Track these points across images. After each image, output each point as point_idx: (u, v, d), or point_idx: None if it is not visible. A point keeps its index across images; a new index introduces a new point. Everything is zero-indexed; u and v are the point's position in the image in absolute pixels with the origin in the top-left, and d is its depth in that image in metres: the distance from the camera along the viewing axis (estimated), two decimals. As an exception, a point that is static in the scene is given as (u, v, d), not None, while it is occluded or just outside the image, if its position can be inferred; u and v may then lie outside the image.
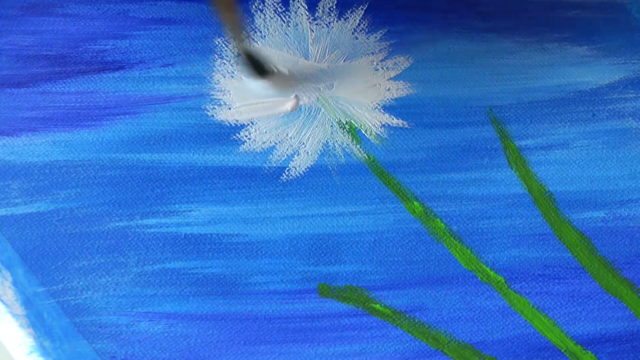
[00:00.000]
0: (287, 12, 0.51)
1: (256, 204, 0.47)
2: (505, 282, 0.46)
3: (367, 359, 0.44)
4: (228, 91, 0.49)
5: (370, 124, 0.49)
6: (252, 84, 0.48)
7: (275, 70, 0.48)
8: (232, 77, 0.49)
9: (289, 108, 0.48)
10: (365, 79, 0.50)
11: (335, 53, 0.50)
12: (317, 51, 0.50)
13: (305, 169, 0.48)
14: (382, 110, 0.49)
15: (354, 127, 0.49)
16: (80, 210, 0.46)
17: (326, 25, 0.51)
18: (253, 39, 0.48)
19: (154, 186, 0.47)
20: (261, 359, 0.44)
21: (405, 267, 0.46)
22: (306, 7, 0.51)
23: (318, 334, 0.44)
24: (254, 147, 0.48)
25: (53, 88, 0.48)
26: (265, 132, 0.48)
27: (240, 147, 0.48)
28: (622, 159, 0.49)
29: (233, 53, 0.47)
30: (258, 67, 0.48)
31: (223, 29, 0.44)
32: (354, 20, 0.51)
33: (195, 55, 0.49)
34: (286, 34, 0.50)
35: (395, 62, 0.50)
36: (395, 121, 0.49)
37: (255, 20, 0.50)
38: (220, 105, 0.49)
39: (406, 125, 0.49)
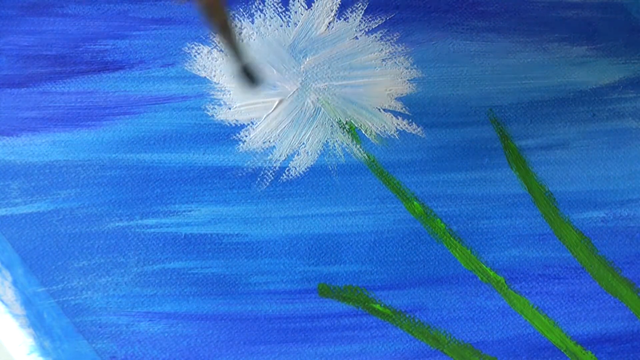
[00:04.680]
0: (287, 12, 0.51)
1: (256, 204, 0.47)
2: (505, 282, 0.46)
3: (367, 359, 0.44)
4: (228, 91, 0.49)
5: (370, 124, 0.49)
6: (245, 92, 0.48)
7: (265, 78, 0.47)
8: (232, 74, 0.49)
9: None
10: (366, 79, 0.50)
11: (335, 53, 0.50)
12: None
13: (305, 169, 0.48)
14: (382, 110, 0.49)
15: (354, 127, 0.49)
16: (80, 210, 0.46)
17: (326, 25, 0.51)
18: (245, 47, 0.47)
19: (154, 186, 0.47)
20: (261, 359, 0.44)
21: (405, 267, 0.46)
22: (306, 7, 0.51)
23: (318, 334, 0.44)
24: (254, 147, 0.48)
25: (53, 88, 0.48)
26: (265, 132, 0.48)
27: (240, 147, 0.48)
28: (622, 159, 0.49)
29: (230, 67, 0.46)
30: (252, 78, 0.46)
31: (216, 40, 0.43)
32: (354, 20, 0.51)
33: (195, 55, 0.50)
34: (286, 33, 0.50)
35: (395, 62, 0.50)
36: (395, 121, 0.49)
37: (255, 20, 0.50)
38: (220, 105, 0.49)
39: (406, 126, 0.49)
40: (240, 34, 0.49)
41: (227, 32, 0.41)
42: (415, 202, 0.47)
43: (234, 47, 0.42)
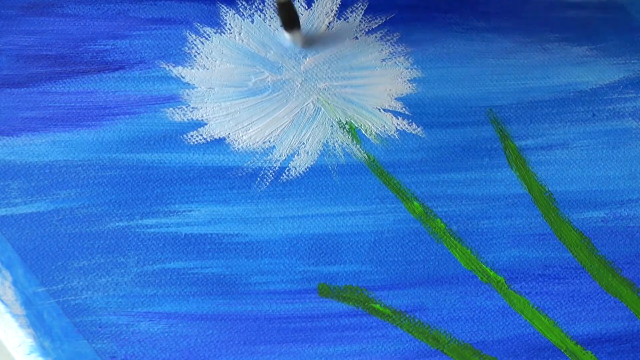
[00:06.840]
0: (287, 12, 0.51)
1: (256, 204, 0.47)
2: (505, 282, 0.46)
3: (367, 359, 0.44)
4: (229, 96, 0.49)
5: (370, 124, 0.49)
6: (284, 34, 0.49)
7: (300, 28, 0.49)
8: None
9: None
10: (366, 79, 0.50)
11: (335, 53, 0.50)
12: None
13: (305, 169, 0.48)
14: (382, 110, 0.49)
15: (354, 127, 0.49)
16: (80, 210, 0.46)
17: (326, 25, 0.51)
18: None
19: (154, 186, 0.47)
20: (261, 359, 0.44)
21: (405, 267, 0.46)
22: (306, 7, 0.51)
23: (318, 334, 0.44)
24: (254, 147, 0.48)
25: (53, 88, 0.48)
26: (265, 132, 0.48)
27: (239, 147, 0.48)
28: (622, 159, 0.49)
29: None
30: (290, 20, 0.48)
31: None
32: (354, 20, 0.51)
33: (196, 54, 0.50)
34: (286, 33, 0.50)
35: (395, 62, 0.50)
36: (395, 121, 0.49)
37: (255, 20, 0.50)
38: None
39: (406, 126, 0.49)
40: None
41: None
42: (415, 202, 0.47)
43: None
